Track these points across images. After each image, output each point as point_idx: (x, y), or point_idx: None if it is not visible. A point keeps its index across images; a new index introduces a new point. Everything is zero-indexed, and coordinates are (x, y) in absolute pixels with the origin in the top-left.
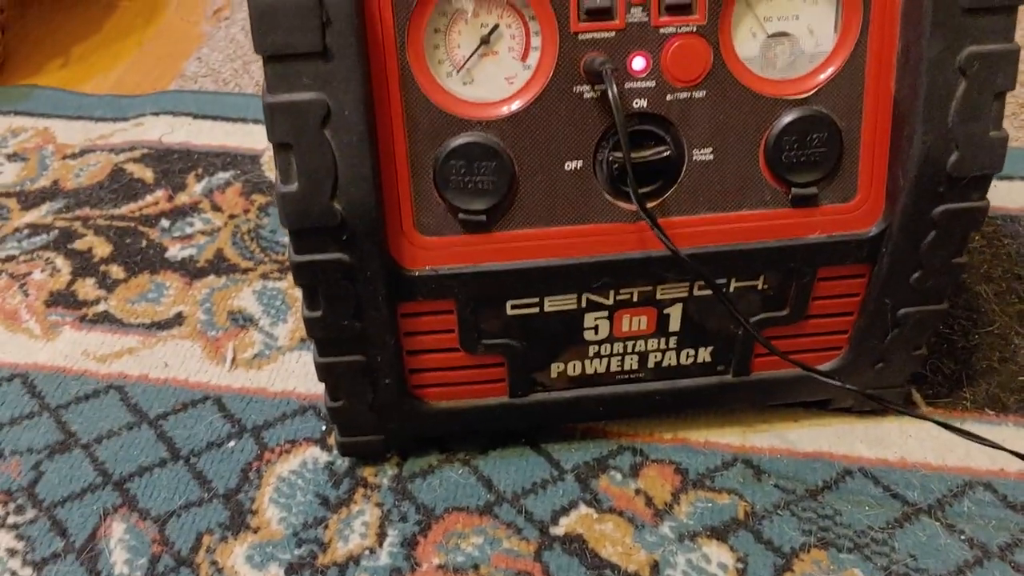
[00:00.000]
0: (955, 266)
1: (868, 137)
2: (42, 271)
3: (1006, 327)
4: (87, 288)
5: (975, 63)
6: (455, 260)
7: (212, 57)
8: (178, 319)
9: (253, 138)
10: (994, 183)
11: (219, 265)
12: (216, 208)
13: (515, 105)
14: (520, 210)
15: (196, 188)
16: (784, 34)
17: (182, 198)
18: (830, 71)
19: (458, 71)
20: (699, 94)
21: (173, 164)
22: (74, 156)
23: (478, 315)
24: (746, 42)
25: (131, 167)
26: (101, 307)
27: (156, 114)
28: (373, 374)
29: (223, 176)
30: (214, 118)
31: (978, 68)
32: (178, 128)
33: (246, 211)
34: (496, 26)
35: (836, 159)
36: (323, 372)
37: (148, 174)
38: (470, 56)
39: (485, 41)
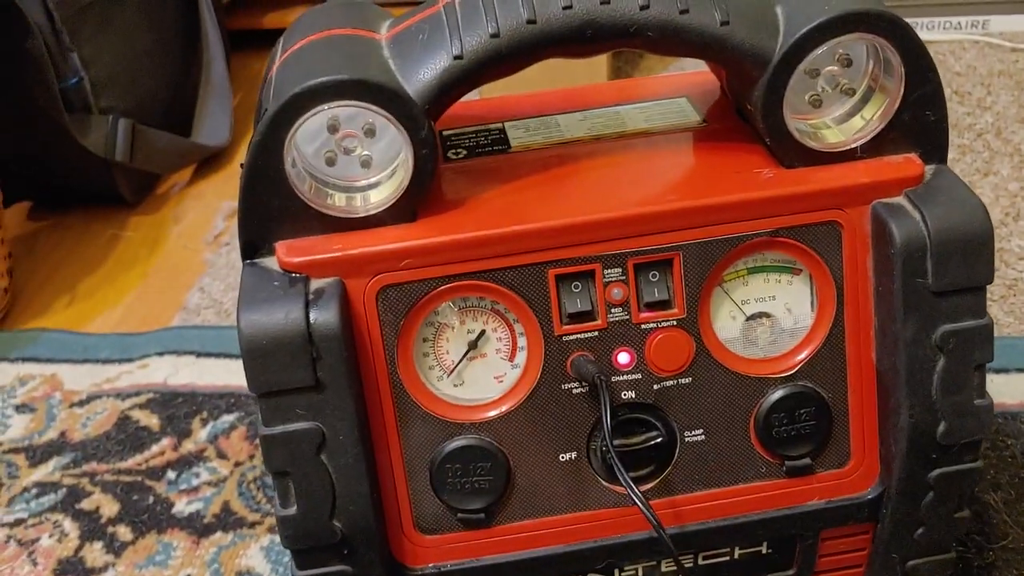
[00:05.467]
0: (958, 520)
1: (856, 406)
2: (50, 535)
3: (1020, 540)
4: (95, 553)
5: (951, 340)
6: (457, 556)
7: (213, 287)
8: None
9: None
10: (990, 377)
11: (226, 520)
12: (221, 455)
13: (506, 406)
14: (518, 503)
15: (201, 434)
16: (764, 315)
17: (187, 446)
18: (812, 348)
19: (448, 375)
20: (685, 381)
21: (178, 408)
22: (81, 404)
23: None
24: (726, 326)
25: (137, 414)
26: (109, 574)
27: (160, 354)
28: None
29: (227, 419)
30: (217, 355)
31: (954, 345)
32: (182, 368)
33: (251, 457)
34: (483, 331)
35: (826, 430)
36: None
37: (154, 421)
38: (459, 360)
39: (473, 346)
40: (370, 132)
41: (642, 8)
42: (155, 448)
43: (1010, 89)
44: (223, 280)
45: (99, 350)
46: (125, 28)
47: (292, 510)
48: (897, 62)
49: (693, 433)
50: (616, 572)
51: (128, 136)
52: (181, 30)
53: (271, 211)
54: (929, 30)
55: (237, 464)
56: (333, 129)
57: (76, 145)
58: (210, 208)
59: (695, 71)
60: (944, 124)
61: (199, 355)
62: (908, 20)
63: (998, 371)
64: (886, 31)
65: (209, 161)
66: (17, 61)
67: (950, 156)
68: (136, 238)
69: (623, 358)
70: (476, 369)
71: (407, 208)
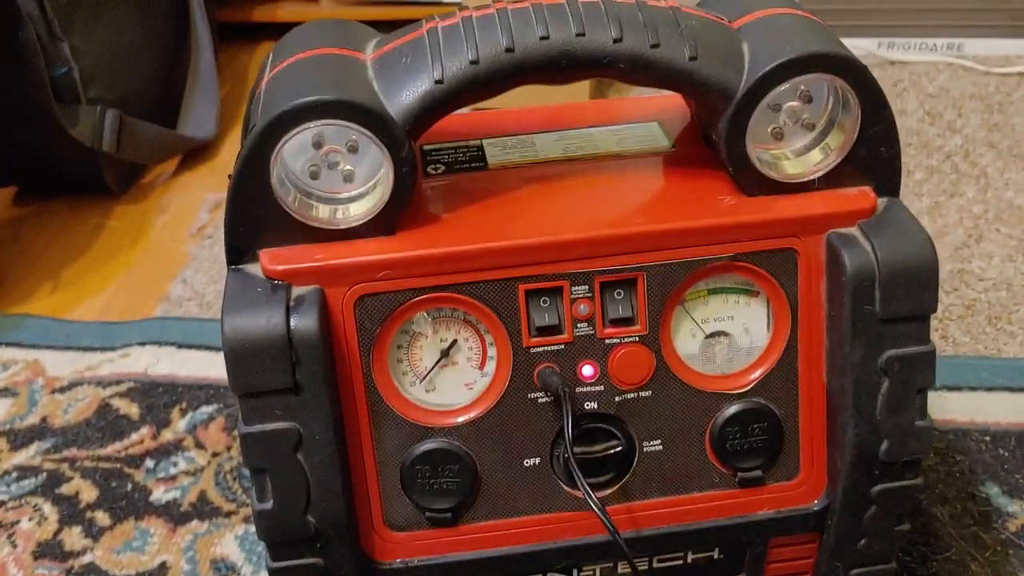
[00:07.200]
0: (898, 533)
1: (806, 422)
2: (30, 519)
3: (962, 552)
4: (73, 537)
5: (895, 365)
6: (424, 552)
7: (196, 279)
8: (162, 570)
9: None
10: (943, 394)
11: (202, 509)
12: (199, 445)
13: (474, 412)
14: (483, 504)
15: (180, 424)
16: (722, 333)
17: (166, 435)
18: (766, 366)
19: (421, 381)
20: (645, 393)
21: (158, 398)
22: (63, 390)
23: None
24: (686, 343)
25: (117, 402)
26: (87, 558)
27: (142, 344)
28: None
29: (206, 410)
30: (198, 347)
31: (899, 369)
32: (163, 359)
33: (228, 448)
34: (455, 341)
35: (777, 444)
36: None
37: (134, 410)
38: (432, 367)
39: (445, 354)
40: (353, 149)
41: (615, 41)
42: (135, 436)
43: (980, 112)
44: (205, 273)
45: (81, 338)
46: (115, 19)
47: (268, 504)
48: (855, 102)
49: (651, 443)
50: (575, 572)
51: (115, 127)
52: (170, 22)
53: (256, 220)
54: (905, 51)
55: (215, 455)
56: (318, 145)
57: (64, 134)
58: (194, 200)
59: (669, 95)
60: (897, 160)
61: (180, 346)
62: (885, 39)
63: (951, 388)
64: (845, 72)
65: (195, 153)
66: (8, 49)
67: (918, 176)
68: (120, 227)
69: (587, 370)
70: (447, 376)
71: (386, 222)
